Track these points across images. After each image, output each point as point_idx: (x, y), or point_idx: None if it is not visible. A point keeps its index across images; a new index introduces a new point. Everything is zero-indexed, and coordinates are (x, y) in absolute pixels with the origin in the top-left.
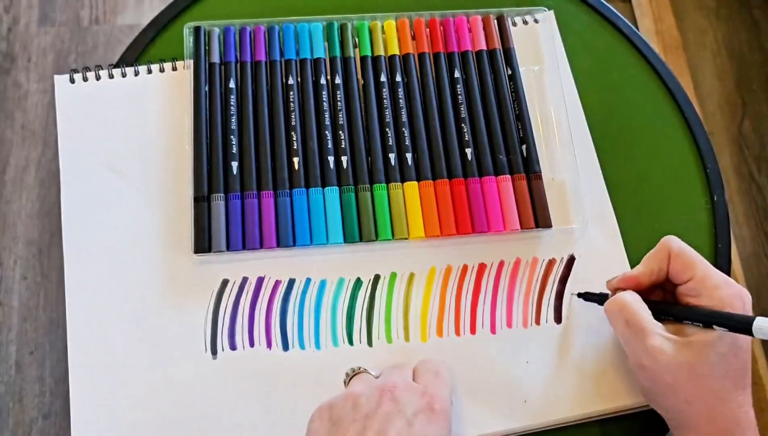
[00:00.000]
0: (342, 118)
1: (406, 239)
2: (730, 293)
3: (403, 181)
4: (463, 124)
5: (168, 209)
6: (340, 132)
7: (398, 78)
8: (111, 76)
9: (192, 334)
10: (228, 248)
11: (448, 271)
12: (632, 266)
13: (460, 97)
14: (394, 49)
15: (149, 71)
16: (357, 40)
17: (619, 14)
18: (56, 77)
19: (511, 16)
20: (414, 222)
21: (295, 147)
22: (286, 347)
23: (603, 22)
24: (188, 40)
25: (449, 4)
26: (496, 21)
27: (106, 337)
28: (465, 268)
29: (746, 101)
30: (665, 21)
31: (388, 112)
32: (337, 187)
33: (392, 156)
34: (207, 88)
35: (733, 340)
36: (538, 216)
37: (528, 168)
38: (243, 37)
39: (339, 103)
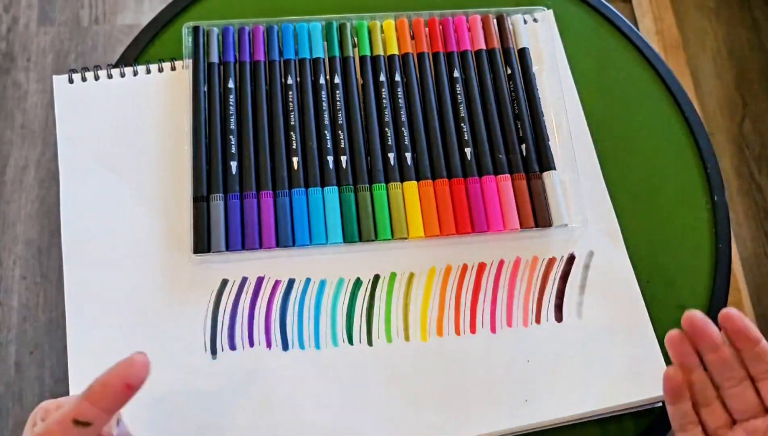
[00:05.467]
0: (341, 118)
1: (405, 238)
2: None
3: (402, 180)
4: (462, 124)
5: (167, 209)
6: (339, 132)
7: (397, 78)
8: (110, 77)
9: (191, 334)
10: (227, 248)
11: (448, 270)
12: (633, 265)
13: (459, 96)
14: (393, 49)
15: (148, 71)
16: (356, 39)
17: (619, 14)
18: (55, 78)
19: (510, 15)
20: (413, 222)
21: (294, 147)
22: (285, 346)
23: (603, 22)
24: (187, 40)
25: (448, 4)
26: (495, 20)
27: (106, 337)
28: (465, 267)
29: (746, 101)
30: (665, 21)
31: (387, 112)
32: (336, 187)
33: (391, 156)
34: (206, 88)
35: None
36: (537, 215)
37: (527, 167)
38: (242, 36)
39: (338, 103)
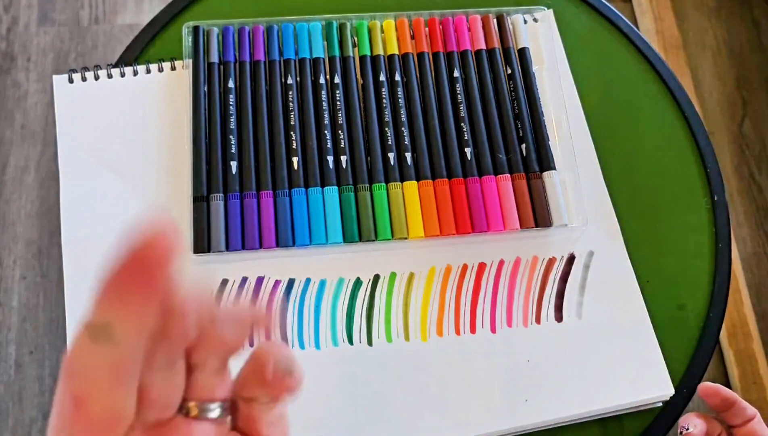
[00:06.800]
0: (341, 118)
1: (405, 238)
2: None
3: (402, 180)
4: (462, 124)
5: (167, 209)
6: (339, 132)
7: (397, 77)
8: (110, 76)
9: None
10: (227, 248)
11: (448, 270)
12: (633, 265)
13: (459, 96)
14: (393, 49)
15: (148, 71)
16: (356, 39)
17: (619, 14)
18: (55, 77)
19: (510, 15)
20: (413, 222)
21: (294, 147)
22: None
23: (603, 22)
24: (187, 40)
25: (448, 4)
26: (495, 20)
27: None
28: (465, 267)
29: (747, 101)
30: (665, 21)
31: (387, 112)
32: (336, 187)
33: (391, 156)
34: (206, 88)
35: None
36: (537, 215)
37: (527, 167)
38: (242, 36)
39: (338, 103)
